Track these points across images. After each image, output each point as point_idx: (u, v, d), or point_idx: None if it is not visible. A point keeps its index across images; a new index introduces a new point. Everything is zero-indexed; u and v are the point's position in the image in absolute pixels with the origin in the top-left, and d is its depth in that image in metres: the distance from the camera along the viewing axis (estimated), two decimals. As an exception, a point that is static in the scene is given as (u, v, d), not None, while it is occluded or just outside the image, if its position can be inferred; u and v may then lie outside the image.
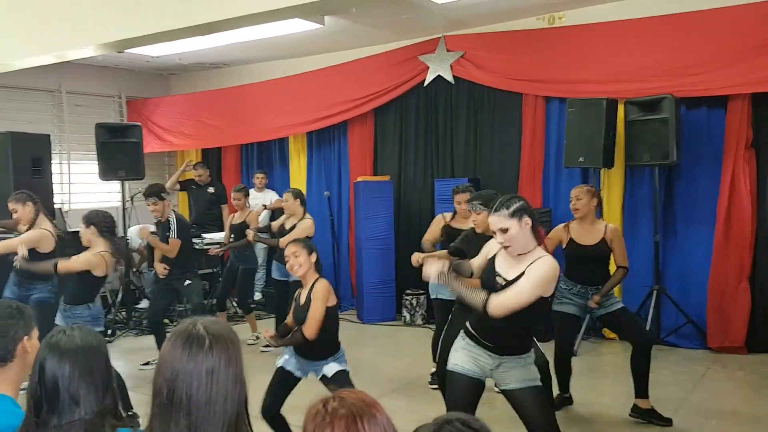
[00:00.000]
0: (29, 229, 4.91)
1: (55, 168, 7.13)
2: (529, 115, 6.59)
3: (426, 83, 7.10)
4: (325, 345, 3.56)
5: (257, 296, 8.17)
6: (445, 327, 4.30)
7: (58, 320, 4.42)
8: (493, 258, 3.08)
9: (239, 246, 6.39)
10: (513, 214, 2.89)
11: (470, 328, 3.09)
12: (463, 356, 3.05)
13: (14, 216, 4.96)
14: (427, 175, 7.40)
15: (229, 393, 1.54)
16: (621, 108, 5.95)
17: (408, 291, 7.18)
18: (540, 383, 3.05)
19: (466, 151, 7.10)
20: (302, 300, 3.61)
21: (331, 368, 3.55)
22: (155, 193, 5.57)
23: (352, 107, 7.60)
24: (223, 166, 9.11)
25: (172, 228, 5.57)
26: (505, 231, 2.90)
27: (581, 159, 5.80)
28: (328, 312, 3.52)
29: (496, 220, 2.92)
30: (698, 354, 5.67)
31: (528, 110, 6.60)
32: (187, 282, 5.58)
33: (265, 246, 8.15)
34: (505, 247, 2.94)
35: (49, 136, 6.84)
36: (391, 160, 7.67)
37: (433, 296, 4.98)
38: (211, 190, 8.15)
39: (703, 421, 4.27)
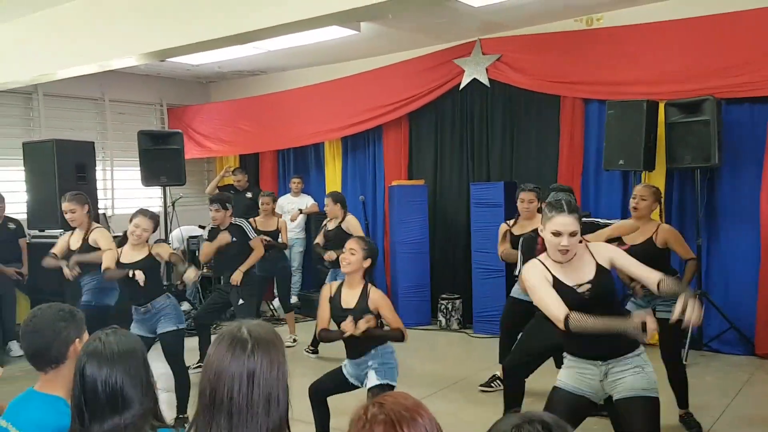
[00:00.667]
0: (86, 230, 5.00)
1: (98, 174, 7.31)
2: (567, 118, 6.53)
3: (461, 87, 7.09)
4: (367, 341, 3.55)
5: (293, 299, 8.26)
6: (521, 335, 4.21)
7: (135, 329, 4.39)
8: (554, 278, 2.83)
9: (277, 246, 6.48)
10: (579, 219, 2.78)
11: (568, 348, 2.92)
12: (569, 374, 2.89)
13: (70, 216, 4.97)
14: (462, 178, 7.38)
15: (271, 397, 1.55)
16: (661, 110, 5.86)
17: (443, 295, 7.17)
18: (657, 395, 2.79)
19: (502, 154, 7.07)
20: (350, 304, 3.59)
21: (372, 378, 3.53)
22: (220, 200, 5.61)
23: (387, 112, 7.62)
24: (260, 172, 9.24)
25: (247, 228, 5.61)
26: (574, 235, 2.74)
27: (621, 162, 5.73)
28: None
29: (570, 222, 2.74)
30: (742, 360, 5.54)
31: (566, 113, 6.54)
32: (241, 301, 5.52)
33: (302, 250, 8.25)
34: (564, 253, 2.75)
35: (93, 143, 7.01)
36: (426, 164, 7.68)
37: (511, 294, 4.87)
38: (249, 195, 8.27)
39: (746, 428, 4.17)
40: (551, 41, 6.45)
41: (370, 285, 3.63)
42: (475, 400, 4.85)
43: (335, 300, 3.67)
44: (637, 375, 2.77)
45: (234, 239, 5.56)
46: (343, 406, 3.56)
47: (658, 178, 6.02)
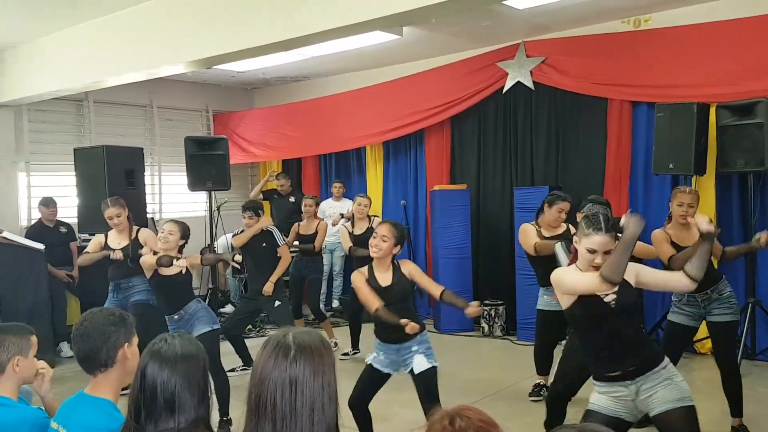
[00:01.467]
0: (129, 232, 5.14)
1: (146, 179, 7.47)
2: (615, 121, 6.40)
3: (505, 90, 7.02)
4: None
5: (335, 304, 8.29)
6: (559, 361, 4.15)
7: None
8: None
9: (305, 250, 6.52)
10: (615, 237, 2.78)
11: (595, 371, 2.92)
12: (601, 398, 2.88)
13: (116, 221, 5.11)
14: (506, 183, 7.30)
15: (316, 405, 1.53)
16: (712, 112, 5.69)
17: (486, 301, 7.09)
18: (692, 403, 2.75)
19: (547, 158, 6.97)
20: (386, 281, 3.65)
21: (420, 363, 3.55)
22: (253, 208, 5.64)
23: (429, 116, 7.60)
24: (302, 177, 9.32)
25: (277, 235, 5.64)
26: (608, 253, 2.75)
27: (671, 166, 5.58)
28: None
29: (608, 241, 2.76)
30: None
31: (613, 116, 6.41)
32: (277, 303, 5.53)
33: (343, 254, 8.27)
34: (596, 268, 2.77)
35: (142, 149, 7.16)
36: (468, 169, 7.62)
37: (537, 307, 4.89)
38: (292, 199, 8.34)
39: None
40: (598, 43, 6.34)
41: (401, 261, 3.73)
42: (520, 409, 4.77)
43: (371, 281, 3.69)
44: (668, 387, 2.75)
45: (264, 244, 5.59)
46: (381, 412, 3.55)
47: (708, 182, 5.85)
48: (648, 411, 2.80)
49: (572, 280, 2.86)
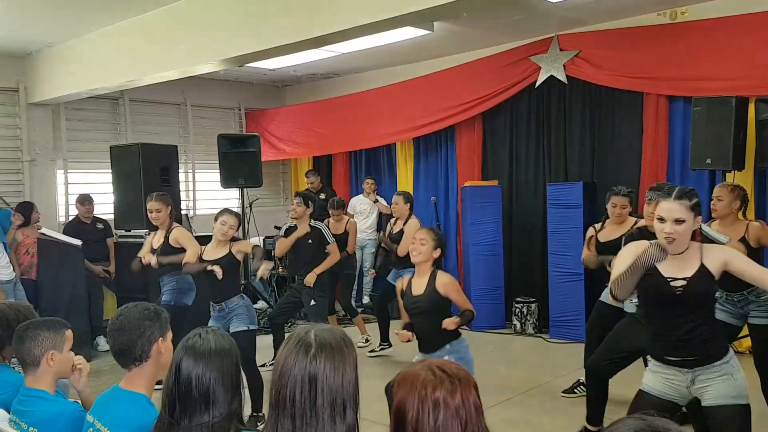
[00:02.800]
0: (167, 229, 5.17)
1: (180, 176, 7.56)
2: (651, 115, 6.28)
3: (537, 84, 6.93)
4: (441, 333, 3.55)
5: (365, 300, 8.30)
6: (608, 335, 4.06)
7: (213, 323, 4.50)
8: (653, 267, 2.70)
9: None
10: (693, 208, 2.60)
11: (653, 352, 2.82)
12: (655, 378, 2.80)
13: (154, 215, 5.13)
14: (538, 179, 7.22)
15: (336, 404, 1.53)
16: (751, 106, 5.54)
17: (518, 298, 7.03)
18: (747, 402, 2.66)
19: (581, 153, 6.87)
20: (419, 290, 3.63)
21: None
22: (305, 196, 5.68)
23: (460, 111, 7.54)
24: (333, 173, 9.34)
25: (326, 233, 5.64)
26: (680, 222, 2.58)
27: (709, 161, 5.45)
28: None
29: (676, 208, 2.58)
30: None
31: (649, 110, 6.29)
32: (312, 302, 5.55)
33: (374, 250, 8.28)
34: (670, 241, 2.61)
35: (176, 146, 7.25)
36: (500, 165, 7.56)
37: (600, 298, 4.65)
38: (322, 196, 8.37)
39: None
40: (633, 36, 6.22)
41: (440, 272, 3.67)
42: (553, 408, 4.72)
43: (407, 291, 3.71)
44: (725, 382, 2.64)
45: (310, 241, 5.60)
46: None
47: (747, 177, 5.70)
48: (701, 400, 2.72)
49: (618, 260, 2.77)
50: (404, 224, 6.09)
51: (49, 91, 7.25)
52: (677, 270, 2.67)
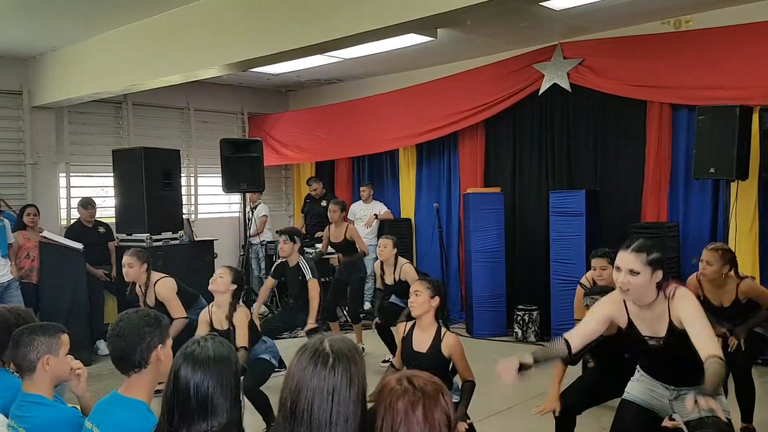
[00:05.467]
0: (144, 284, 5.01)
1: (183, 181, 7.56)
2: (654, 124, 6.27)
3: (541, 92, 6.93)
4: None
5: (366, 306, 8.28)
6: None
7: None
8: (629, 322, 2.76)
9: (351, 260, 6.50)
10: (650, 263, 2.60)
11: (641, 364, 2.84)
12: (639, 387, 2.83)
13: (125, 270, 4.96)
14: (541, 186, 7.20)
15: (350, 415, 1.54)
16: (755, 116, 5.53)
17: (520, 306, 7.01)
18: (729, 416, 2.65)
19: (584, 161, 6.86)
20: (422, 347, 3.49)
21: None
22: (289, 233, 5.58)
23: (463, 118, 7.54)
24: (335, 179, 9.34)
25: (305, 269, 5.46)
26: (634, 274, 2.60)
27: (712, 170, 5.43)
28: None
29: (632, 259, 2.60)
30: None
31: (653, 118, 6.28)
32: (307, 326, 5.41)
33: (375, 257, 8.25)
34: (624, 290, 2.64)
35: (178, 151, 7.25)
36: (503, 172, 7.55)
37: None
38: (323, 203, 8.37)
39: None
40: (637, 44, 6.21)
41: (444, 329, 3.52)
42: (551, 417, 4.68)
43: (407, 341, 3.57)
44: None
45: (300, 278, 5.50)
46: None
47: (750, 187, 5.69)
48: (681, 415, 2.74)
49: (586, 318, 2.83)
50: (397, 271, 5.80)
51: (53, 94, 7.26)
52: (651, 328, 2.72)
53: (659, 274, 2.63)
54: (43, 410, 2.31)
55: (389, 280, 5.85)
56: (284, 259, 5.63)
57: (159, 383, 2.08)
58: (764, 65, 5.49)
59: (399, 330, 3.68)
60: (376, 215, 8.07)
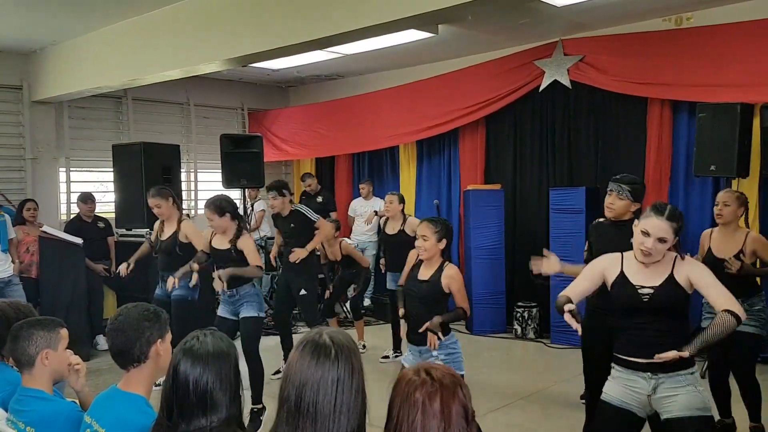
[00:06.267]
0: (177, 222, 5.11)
1: (182, 176, 7.55)
2: (655, 121, 6.26)
3: (541, 89, 6.91)
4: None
5: (366, 302, 8.28)
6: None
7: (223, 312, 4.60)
8: (621, 273, 2.79)
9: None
10: (677, 231, 2.66)
11: (618, 353, 2.82)
12: (616, 385, 2.79)
13: (156, 211, 5.11)
14: (542, 183, 7.19)
15: (352, 404, 1.56)
16: (756, 113, 5.52)
17: (519, 303, 7.01)
18: (711, 415, 2.68)
19: (585, 158, 6.85)
20: (424, 276, 3.62)
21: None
22: (276, 187, 5.53)
23: (463, 115, 7.52)
24: (335, 175, 9.34)
25: (308, 213, 5.49)
26: (663, 241, 2.64)
27: (713, 167, 5.43)
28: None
29: (665, 228, 2.64)
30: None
31: (654, 115, 6.28)
32: (302, 292, 5.48)
33: (375, 253, 8.27)
34: (645, 254, 2.67)
35: (178, 146, 7.24)
36: (503, 169, 7.54)
37: None
38: (319, 199, 8.37)
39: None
40: (638, 41, 6.20)
41: (447, 262, 3.63)
42: (553, 413, 4.69)
43: (413, 271, 3.72)
44: (691, 394, 2.64)
45: (292, 225, 5.49)
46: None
47: (751, 185, 5.68)
48: (661, 412, 2.69)
49: (581, 274, 2.92)
50: (402, 225, 6.00)
51: (53, 89, 7.25)
52: (646, 278, 2.73)
53: (677, 239, 2.69)
54: (42, 404, 2.31)
55: (391, 230, 6.03)
56: (277, 213, 5.63)
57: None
58: (766, 62, 5.47)
59: (410, 258, 3.81)
60: (375, 212, 8.06)
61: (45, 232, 6.33)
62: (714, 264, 4.01)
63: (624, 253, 2.84)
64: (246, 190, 7.93)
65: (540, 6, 5.54)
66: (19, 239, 6.33)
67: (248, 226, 7.86)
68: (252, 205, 8.41)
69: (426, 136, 7.96)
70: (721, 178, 5.71)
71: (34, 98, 7.47)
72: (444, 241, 3.61)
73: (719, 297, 2.66)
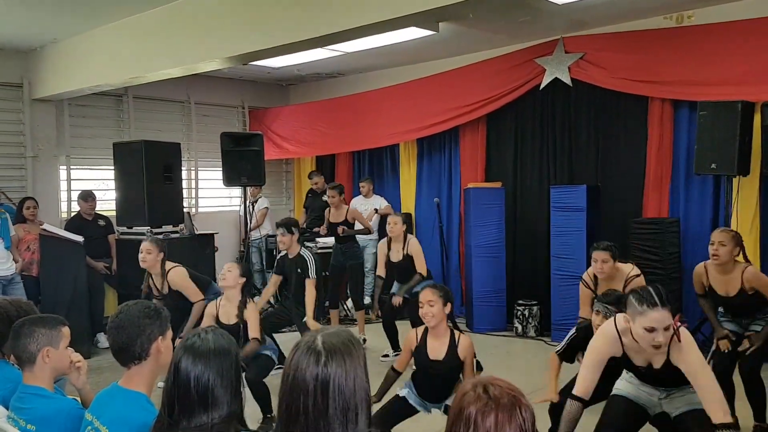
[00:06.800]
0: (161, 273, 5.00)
1: (183, 174, 7.53)
2: (656, 119, 6.26)
3: (542, 86, 6.90)
4: (450, 390, 3.52)
5: (366, 300, 8.28)
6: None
7: None
8: (624, 355, 2.79)
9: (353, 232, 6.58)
10: (673, 314, 2.63)
11: (627, 368, 2.89)
12: (629, 386, 2.86)
13: (143, 256, 4.98)
14: (543, 181, 7.19)
15: (350, 407, 1.51)
16: (757, 111, 5.52)
17: (520, 301, 7.01)
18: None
19: (585, 156, 6.84)
20: (438, 355, 3.50)
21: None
22: (286, 225, 5.53)
23: (464, 113, 7.51)
24: (336, 173, 9.33)
25: (310, 265, 5.38)
26: (668, 329, 2.58)
27: (713, 166, 5.42)
28: None
29: (667, 316, 2.58)
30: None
31: (654, 114, 6.27)
32: (305, 319, 5.38)
33: (375, 251, 8.26)
34: (656, 348, 2.61)
35: (179, 144, 7.24)
36: (504, 167, 7.53)
37: None
38: (325, 198, 8.35)
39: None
40: (639, 39, 6.19)
41: (457, 333, 3.54)
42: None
43: (421, 349, 3.56)
44: (695, 394, 2.72)
45: (299, 270, 5.45)
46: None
47: (752, 183, 5.68)
48: (670, 412, 2.78)
49: (585, 363, 2.88)
50: (404, 248, 5.91)
51: (53, 87, 7.25)
52: (647, 360, 2.76)
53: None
54: (43, 402, 2.31)
55: (396, 257, 5.93)
56: (284, 252, 5.61)
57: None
58: (766, 61, 5.47)
59: (410, 339, 3.65)
60: (376, 210, 8.06)
61: (45, 230, 6.33)
62: (717, 300, 4.04)
63: (618, 329, 2.79)
64: (246, 188, 7.92)
65: (541, 4, 5.54)
66: (20, 237, 6.34)
67: (249, 228, 7.90)
68: (252, 204, 8.42)
69: (427, 134, 7.95)
70: (721, 177, 5.70)
71: (35, 96, 7.46)
72: (449, 306, 3.50)
73: (710, 404, 2.58)
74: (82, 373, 2.50)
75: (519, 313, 6.94)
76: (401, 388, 3.69)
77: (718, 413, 2.48)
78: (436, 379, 3.52)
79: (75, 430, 2.18)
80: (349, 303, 7.65)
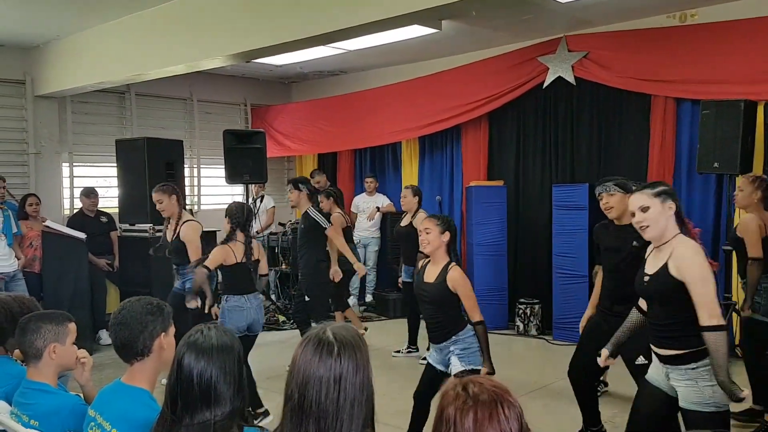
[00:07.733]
0: (177, 221, 5.07)
1: (186, 171, 7.55)
2: (659, 118, 6.25)
3: (545, 85, 6.90)
4: (448, 324, 3.57)
5: (368, 298, 8.28)
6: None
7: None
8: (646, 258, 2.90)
9: None
10: (657, 195, 2.73)
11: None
12: (654, 369, 2.92)
13: (158, 207, 5.08)
14: (544, 180, 7.19)
15: (356, 400, 1.54)
16: (760, 110, 5.51)
17: (522, 299, 7.01)
18: (716, 409, 2.64)
19: (588, 155, 6.84)
20: (430, 278, 3.59)
21: (455, 365, 3.53)
22: (294, 181, 5.56)
23: (466, 111, 7.51)
24: (338, 171, 9.33)
25: (318, 218, 5.39)
26: (644, 210, 2.73)
27: (716, 165, 5.42)
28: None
29: (638, 198, 2.76)
30: None
31: (657, 112, 6.26)
32: (306, 298, 5.49)
33: (377, 248, 8.27)
34: (642, 229, 2.75)
35: (181, 141, 7.25)
36: (506, 165, 7.53)
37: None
38: (325, 198, 8.36)
39: None
40: (642, 38, 6.18)
41: (452, 263, 3.57)
42: (555, 409, 4.71)
43: (420, 274, 3.70)
44: (689, 388, 2.71)
45: (302, 226, 5.49)
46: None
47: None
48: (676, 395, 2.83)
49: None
50: (412, 217, 6.02)
51: (56, 83, 7.26)
52: (652, 265, 2.80)
53: (671, 205, 2.76)
54: (46, 398, 2.32)
55: (404, 224, 6.13)
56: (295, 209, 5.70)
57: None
58: (770, 60, 5.47)
59: (418, 264, 3.82)
60: (378, 208, 8.06)
61: (48, 227, 6.34)
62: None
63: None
64: (249, 185, 7.92)
65: (544, 2, 5.54)
66: (23, 234, 6.34)
67: (257, 221, 7.90)
68: (256, 201, 8.40)
69: (428, 132, 7.95)
70: (724, 176, 5.69)
71: (38, 93, 7.47)
72: (447, 234, 3.57)
73: (700, 306, 2.60)
74: (86, 369, 2.51)
75: (521, 311, 6.94)
76: (429, 354, 3.80)
77: (704, 317, 2.58)
78: (429, 306, 3.61)
79: (78, 426, 2.19)
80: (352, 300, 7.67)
